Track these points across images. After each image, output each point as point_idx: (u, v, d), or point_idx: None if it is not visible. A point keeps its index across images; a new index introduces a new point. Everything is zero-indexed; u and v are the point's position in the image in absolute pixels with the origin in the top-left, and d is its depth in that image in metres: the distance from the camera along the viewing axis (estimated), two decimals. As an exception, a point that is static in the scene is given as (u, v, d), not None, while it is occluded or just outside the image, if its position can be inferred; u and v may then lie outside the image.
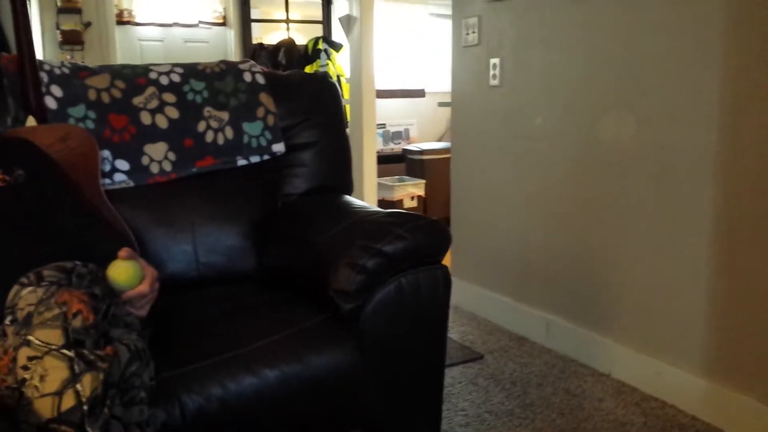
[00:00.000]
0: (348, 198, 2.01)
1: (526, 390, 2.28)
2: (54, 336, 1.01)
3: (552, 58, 2.58)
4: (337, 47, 6.16)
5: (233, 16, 6.25)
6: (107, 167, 1.80)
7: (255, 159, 1.98)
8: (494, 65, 2.87)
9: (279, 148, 2.01)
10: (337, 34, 6.22)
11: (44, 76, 1.79)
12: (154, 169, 1.85)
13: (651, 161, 2.21)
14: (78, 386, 0.97)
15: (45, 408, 0.96)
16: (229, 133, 1.95)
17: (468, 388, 2.29)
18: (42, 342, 1.00)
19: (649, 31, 2.19)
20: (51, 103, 1.77)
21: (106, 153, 1.79)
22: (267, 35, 6.63)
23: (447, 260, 1.67)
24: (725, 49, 1.96)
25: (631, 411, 2.13)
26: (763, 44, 1.87)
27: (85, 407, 0.97)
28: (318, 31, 6.60)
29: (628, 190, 2.30)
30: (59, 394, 0.96)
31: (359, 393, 1.52)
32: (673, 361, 2.19)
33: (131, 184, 1.83)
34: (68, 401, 0.96)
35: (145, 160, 1.84)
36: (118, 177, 1.81)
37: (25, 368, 0.98)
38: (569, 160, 2.54)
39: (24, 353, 0.99)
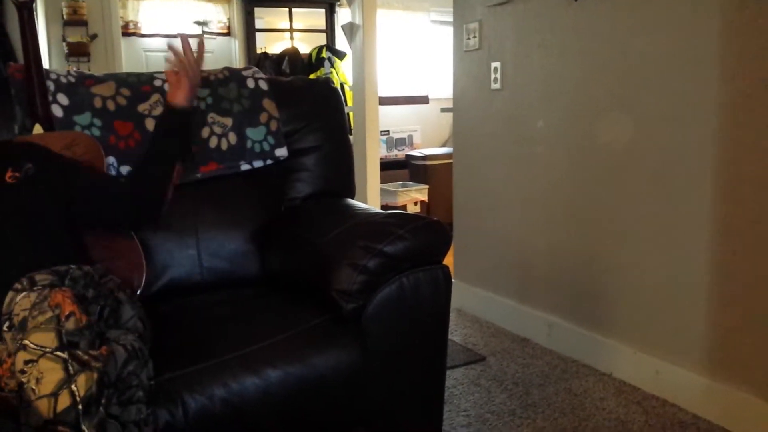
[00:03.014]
0: (350, 201, 2.04)
1: (528, 390, 2.29)
2: (48, 339, 1.03)
3: (552, 62, 2.61)
4: (340, 56, 6.21)
5: (237, 26, 6.31)
6: (112, 173, 1.83)
7: (258, 164, 2.01)
8: (495, 69, 2.90)
9: (282, 152, 2.04)
10: (341, 42, 6.27)
11: (50, 85, 1.82)
12: (159, 174, 1.88)
13: (649, 163, 2.23)
14: (73, 387, 0.99)
15: (42, 409, 0.98)
16: (232, 138, 1.98)
17: (470, 389, 2.31)
18: (36, 345, 1.02)
19: (647, 35, 2.21)
20: (57, 111, 1.80)
21: (112, 159, 1.82)
22: (271, 45, 6.69)
23: (450, 264, 1.69)
24: (721, 51, 1.99)
25: (633, 410, 2.14)
26: (759, 44, 1.89)
27: (80, 407, 0.99)
28: (321, 39, 6.66)
29: (627, 191, 2.32)
30: (55, 395, 0.98)
31: (361, 392, 1.54)
32: (673, 360, 2.20)
33: (136, 189, 1.85)
34: (63, 402, 0.98)
35: (149, 166, 1.87)
36: (123, 183, 1.84)
37: (23, 372, 1.01)
38: (569, 163, 2.56)
39: (21, 357, 1.02)
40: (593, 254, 2.48)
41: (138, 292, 1.66)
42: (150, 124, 1.89)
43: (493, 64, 2.92)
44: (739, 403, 1.99)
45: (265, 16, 6.65)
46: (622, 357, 2.37)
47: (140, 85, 1.96)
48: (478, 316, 3.09)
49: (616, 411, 2.14)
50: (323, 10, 6.69)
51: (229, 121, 1.99)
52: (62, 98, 1.82)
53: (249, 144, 2.00)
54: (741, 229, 1.98)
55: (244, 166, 1.99)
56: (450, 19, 3.27)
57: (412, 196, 5.28)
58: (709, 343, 2.09)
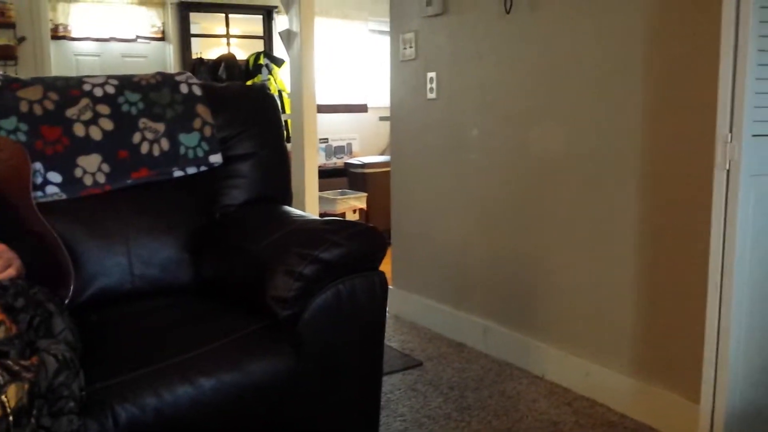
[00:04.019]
0: (286, 208, 2.03)
1: (464, 394, 2.33)
2: None
3: (486, 72, 2.67)
4: (278, 62, 6.18)
5: (172, 31, 6.21)
6: (39, 180, 1.77)
7: (192, 170, 1.98)
8: (431, 79, 2.94)
9: (216, 159, 2.02)
10: (279, 49, 6.24)
11: (-27, 88, 1.76)
12: (88, 181, 1.83)
13: (579, 170, 2.31)
14: (3, 397, 0.97)
15: None
16: (165, 144, 1.95)
17: (407, 394, 2.33)
18: None
19: (576, 45, 2.29)
20: (-20, 115, 1.74)
21: (38, 165, 1.77)
22: (207, 50, 6.60)
23: (388, 271, 1.70)
24: (645, 61, 2.07)
25: (563, 411, 2.20)
26: (680, 53, 1.98)
27: (11, 418, 0.96)
28: (259, 46, 6.61)
29: (558, 198, 2.39)
30: None
31: (297, 399, 1.53)
32: (602, 362, 2.27)
33: (64, 196, 1.80)
34: None
35: (78, 172, 1.82)
36: (51, 189, 1.79)
37: None
38: (503, 171, 2.62)
39: None
40: (526, 260, 2.54)
41: (66, 302, 1.61)
42: (79, 129, 1.84)
43: (429, 74, 2.96)
44: (665, 402, 2.07)
45: (200, 22, 6.55)
46: (553, 359, 2.43)
47: (68, 89, 1.91)
48: (416, 322, 3.12)
49: (547, 412, 2.19)
50: (261, 17, 6.65)
51: (161, 127, 1.95)
52: (-15, 102, 1.76)
53: (182, 150, 1.97)
54: (666, 234, 2.06)
55: (177, 173, 1.96)
56: (387, 28, 3.30)
57: (351, 204, 5.28)
58: (637, 345, 2.17)
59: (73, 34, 5.90)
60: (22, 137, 1.77)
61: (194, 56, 6.34)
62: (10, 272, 1.27)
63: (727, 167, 1.75)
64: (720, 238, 1.78)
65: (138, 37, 6.11)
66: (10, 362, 1.01)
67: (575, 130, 2.31)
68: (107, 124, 1.89)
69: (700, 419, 1.85)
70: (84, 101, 1.89)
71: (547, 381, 2.44)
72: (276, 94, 5.80)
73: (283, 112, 5.29)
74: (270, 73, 6.15)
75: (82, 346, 1.34)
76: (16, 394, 0.98)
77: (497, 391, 2.35)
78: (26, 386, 1.00)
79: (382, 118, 6.37)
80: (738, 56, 1.71)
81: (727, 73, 1.73)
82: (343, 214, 5.14)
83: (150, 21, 6.14)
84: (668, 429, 2.06)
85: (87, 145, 1.85)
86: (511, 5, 2.48)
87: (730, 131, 1.74)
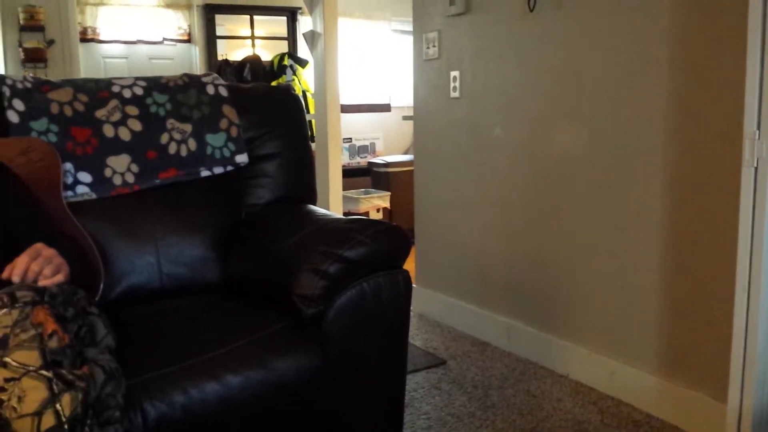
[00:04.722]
0: (310, 207, 2.05)
1: (488, 392, 2.33)
2: (31, 357, 1.02)
3: (508, 71, 2.66)
4: (303, 63, 6.21)
5: (198, 33, 6.28)
6: (70, 180, 1.81)
7: (218, 170, 2.01)
8: (454, 78, 2.95)
9: (242, 159, 2.04)
10: (303, 50, 6.28)
11: (6, 90, 1.80)
12: (117, 181, 1.87)
13: (602, 169, 2.29)
14: (58, 406, 0.99)
15: (24, 429, 0.97)
16: (192, 144, 1.97)
17: (431, 393, 2.34)
18: (19, 363, 1.01)
19: (598, 46, 2.27)
20: (13, 116, 1.78)
21: (69, 166, 1.81)
22: (232, 52, 6.66)
23: (412, 270, 1.71)
24: (668, 61, 2.05)
25: (589, 410, 2.19)
26: (704, 54, 1.96)
27: (66, 426, 0.99)
28: (283, 47, 6.66)
29: (582, 197, 2.38)
30: (39, 414, 0.98)
31: (322, 397, 1.55)
32: (627, 361, 2.26)
33: (94, 196, 1.84)
34: (48, 421, 0.98)
35: (107, 173, 1.86)
36: (81, 189, 1.82)
37: (2, 389, 1.00)
38: (526, 170, 2.61)
39: (0, 375, 1.01)
40: (549, 259, 2.53)
41: (96, 299, 1.64)
42: (108, 130, 1.88)
43: (452, 73, 2.96)
44: (691, 401, 2.05)
45: (225, 24, 6.62)
46: (578, 358, 2.42)
47: (98, 91, 1.94)
48: (439, 320, 3.13)
49: (572, 411, 2.19)
50: (285, 18, 6.70)
51: (188, 128, 1.98)
52: (18, 104, 1.80)
53: (209, 150, 1.99)
54: (690, 233, 2.04)
55: (204, 173, 1.99)
56: (410, 28, 3.31)
57: (375, 203, 5.30)
58: (662, 344, 2.15)
59: (101, 37, 6.00)
60: (53, 138, 1.81)
61: (219, 58, 6.40)
62: (59, 278, 1.29)
63: (755, 165, 1.73)
64: (748, 237, 1.76)
65: (165, 39, 6.20)
66: (64, 372, 1.04)
67: (597, 130, 2.30)
68: (136, 125, 1.92)
69: (727, 419, 1.83)
70: (113, 102, 1.92)
71: (571, 380, 2.43)
72: (300, 95, 5.83)
73: (308, 112, 5.32)
74: (294, 73, 6.18)
75: (113, 344, 1.36)
76: (71, 403, 1.00)
77: (521, 389, 2.35)
78: (80, 396, 1.02)
79: (405, 118, 6.37)
80: (765, 52, 1.69)
81: (754, 70, 1.71)
82: (366, 213, 5.16)
83: (176, 23, 6.22)
84: (694, 428, 2.04)
85: (116, 146, 1.88)
86: (534, 4, 2.48)
87: (758, 128, 1.71)
